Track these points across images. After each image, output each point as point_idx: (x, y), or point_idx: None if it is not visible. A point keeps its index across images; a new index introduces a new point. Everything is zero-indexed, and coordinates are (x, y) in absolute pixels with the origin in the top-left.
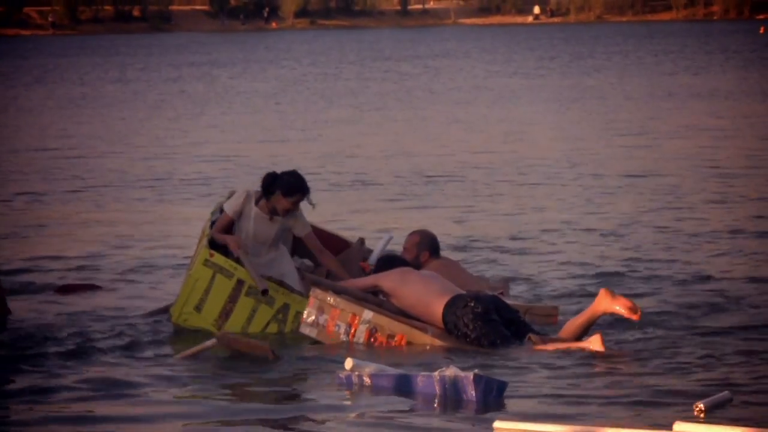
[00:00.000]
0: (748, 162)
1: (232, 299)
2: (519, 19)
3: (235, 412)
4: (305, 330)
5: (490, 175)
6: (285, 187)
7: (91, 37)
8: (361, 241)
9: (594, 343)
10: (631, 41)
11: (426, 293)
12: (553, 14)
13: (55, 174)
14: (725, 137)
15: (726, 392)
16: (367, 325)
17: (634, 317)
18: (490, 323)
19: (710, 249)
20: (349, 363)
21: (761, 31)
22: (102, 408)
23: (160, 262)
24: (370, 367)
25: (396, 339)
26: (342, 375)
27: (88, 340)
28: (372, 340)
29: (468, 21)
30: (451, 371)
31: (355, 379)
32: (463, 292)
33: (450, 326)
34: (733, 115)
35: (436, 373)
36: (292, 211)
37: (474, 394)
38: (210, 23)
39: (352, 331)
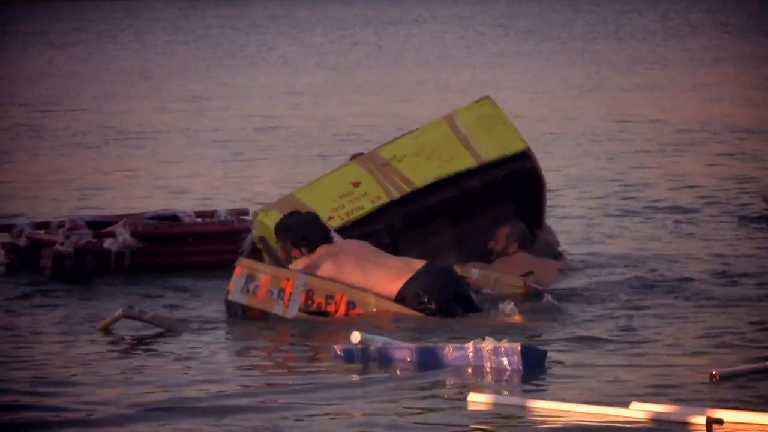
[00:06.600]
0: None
1: None
2: None
3: (230, 396)
4: (234, 297)
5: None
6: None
7: (81, 3)
8: None
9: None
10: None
11: (367, 279)
12: None
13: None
14: None
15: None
16: (303, 287)
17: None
18: (446, 312)
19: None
20: (356, 336)
21: None
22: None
23: None
24: (377, 342)
25: (336, 299)
26: (337, 349)
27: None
28: (309, 302)
29: None
30: (488, 343)
31: (357, 353)
32: (398, 264)
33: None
34: None
35: (469, 345)
36: None
37: (521, 364)
38: None
39: (287, 294)
